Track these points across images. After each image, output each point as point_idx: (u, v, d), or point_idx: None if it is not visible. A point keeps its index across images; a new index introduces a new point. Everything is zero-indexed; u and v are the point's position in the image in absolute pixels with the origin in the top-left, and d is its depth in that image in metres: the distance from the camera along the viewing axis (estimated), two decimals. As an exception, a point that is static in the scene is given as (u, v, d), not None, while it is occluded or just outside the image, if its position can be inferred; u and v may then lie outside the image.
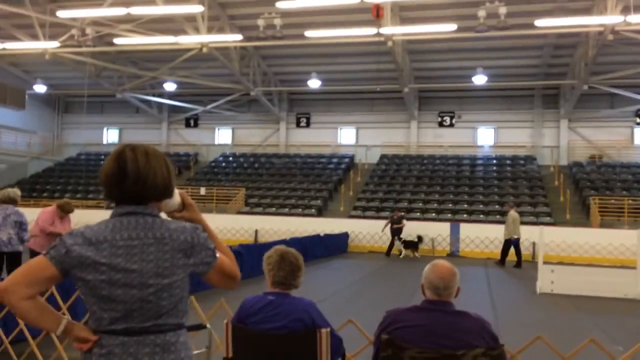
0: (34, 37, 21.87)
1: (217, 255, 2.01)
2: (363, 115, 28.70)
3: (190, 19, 20.64)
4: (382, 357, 2.91)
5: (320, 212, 22.05)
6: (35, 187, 26.50)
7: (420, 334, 2.82)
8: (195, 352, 3.84)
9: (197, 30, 20.62)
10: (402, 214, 18.05)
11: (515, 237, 15.40)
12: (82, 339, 1.86)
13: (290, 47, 22.98)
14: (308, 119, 29.68)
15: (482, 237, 18.52)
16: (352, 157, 27.73)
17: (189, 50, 22.08)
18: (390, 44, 20.04)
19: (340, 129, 29.37)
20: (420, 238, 17.88)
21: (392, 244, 17.59)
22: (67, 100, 32.27)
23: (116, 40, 21.91)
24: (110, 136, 32.24)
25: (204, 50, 21.40)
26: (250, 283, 10.47)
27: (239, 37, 21.56)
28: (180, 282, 1.90)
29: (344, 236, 18.78)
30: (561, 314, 8.68)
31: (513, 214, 15.58)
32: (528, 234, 16.41)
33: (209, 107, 28.92)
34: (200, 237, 1.96)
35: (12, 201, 7.48)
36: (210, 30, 20.90)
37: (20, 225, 7.21)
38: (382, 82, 25.25)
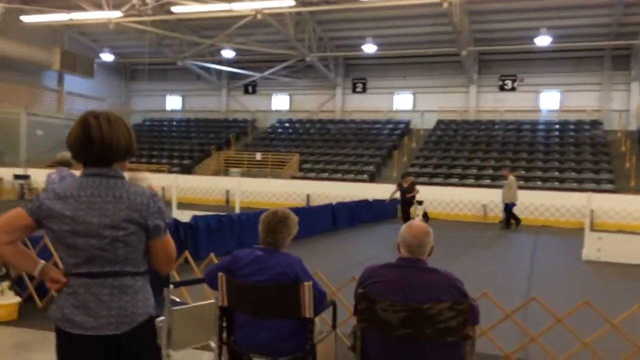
0: (99, 7, 22.77)
1: (167, 232, 2.23)
2: (420, 79, 28.18)
3: (245, -16, 20.82)
4: (358, 309, 3.09)
5: (373, 178, 22.10)
6: (104, 152, 27.99)
7: (391, 288, 2.96)
8: (205, 302, 4.17)
9: (251, -4, 20.80)
10: (412, 178, 15.37)
11: (514, 201, 16.12)
12: (54, 280, 2.15)
13: (345, 11, 22.77)
14: (364, 85, 29.49)
15: (537, 203, 18.04)
16: (407, 123, 27.41)
17: (244, 17, 22.36)
18: (446, 4, 19.47)
19: (397, 94, 29.00)
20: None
21: (407, 217, 14.47)
22: (133, 68, 33.55)
23: (174, 9, 22.44)
24: (174, 103, 33.36)
25: (258, 16, 21.60)
26: (290, 245, 10.86)
27: (292, 2, 21.56)
28: (134, 237, 2.13)
29: (394, 202, 18.76)
30: (602, 281, 8.48)
31: (513, 178, 16.28)
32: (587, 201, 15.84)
33: (266, 73, 29.28)
34: (157, 204, 2.19)
35: (68, 163, 8.08)
36: (264, -5, 21.02)
37: None
38: (439, 45, 24.62)
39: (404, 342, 2.94)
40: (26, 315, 5.23)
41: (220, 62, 29.63)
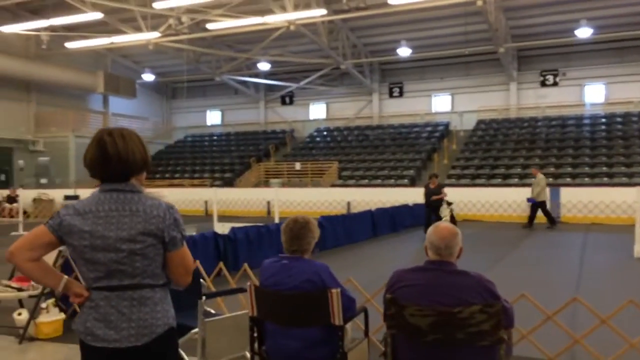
0: (138, 29, 23.47)
1: (184, 244, 2.24)
2: (458, 80, 27.80)
3: (277, -3, 21.07)
4: (387, 314, 3.04)
5: (413, 182, 21.84)
6: (150, 169, 28.70)
7: (418, 293, 2.90)
8: (239, 312, 4.19)
9: (283, 9, 21.02)
10: (436, 177, 14.31)
11: (541, 199, 15.75)
12: (77, 294, 2.19)
13: (377, 16, 22.72)
14: (401, 89, 29.30)
15: (586, 201, 17.41)
16: (446, 125, 27.04)
17: (277, 29, 22.60)
18: (480, 2, 19.14)
19: (435, 96, 28.67)
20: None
21: (430, 222, 11.92)
22: (173, 86, 34.38)
23: (209, 26, 22.90)
24: (213, 118, 33.98)
25: (291, 27, 21.78)
26: (330, 254, 10.82)
27: (324, 11, 21.65)
28: (151, 249, 2.15)
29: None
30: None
31: (542, 177, 15.94)
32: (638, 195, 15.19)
33: (302, 83, 29.48)
34: (173, 216, 2.20)
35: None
36: (296, 7, 21.20)
37: None
38: (475, 44, 24.20)
39: (435, 348, 2.87)
40: (70, 331, 5.37)
41: (256, 75, 30.04)
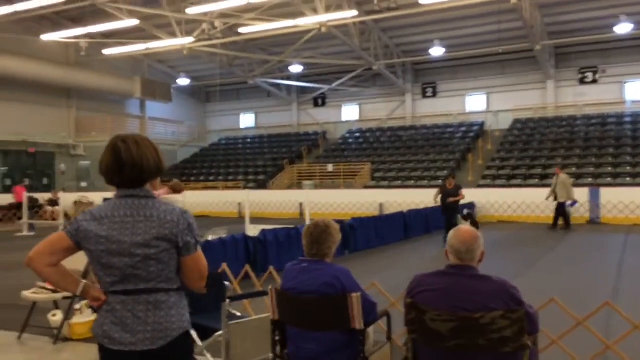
0: (172, 34, 23.90)
1: (199, 248, 2.27)
2: (493, 79, 27.32)
3: (308, 0, 21.13)
4: (407, 319, 2.99)
5: (448, 183, 21.55)
6: (185, 172, 29.21)
7: (439, 297, 2.85)
8: (263, 315, 4.20)
9: (315, 11, 21.08)
10: (453, 177, 13.14)
11: (570, 201, 15.36)
12: (95, 298, 2.24)
13: (409, 16, 22.53)
14: (434, 89, 28.98)
15: (627, 201, 16.86)
16: (481, 125, 26.60)
17: (309, 31, 22.68)
18: (514, 0, 18.78)
19: (469, 95, 28.25)
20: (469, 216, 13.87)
21: (450, 225, 11.52)
22: (208, 90, 34.87)
23: (242, 30, 23.16)
24: (247, 121, 34.32)
25: (323, 29, 21.81)
26: (360, 256, 10.78)
27: (355, 12, 21.60)
28: (165, 254, 2.18)
29: (470, 206, 18.23)
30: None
31: (565, 176, 15.56)
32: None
33: (334, 85, 29.48)
34: (187, 221, 2.22)
35: (179, 189, 8.58)
36: (328, 9, 21.22)
37: None
38: (510, 42, 23.73)
39: (457, 354, 2.82)
40: (103, 331, 5.49)
41: (289, 78, 30.19)
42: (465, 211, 13.52)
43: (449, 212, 12.37)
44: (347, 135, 29.52)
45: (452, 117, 27.87)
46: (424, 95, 29.15)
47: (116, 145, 2.22)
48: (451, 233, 3.00)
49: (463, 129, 26.63)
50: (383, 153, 26.01)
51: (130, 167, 2.20)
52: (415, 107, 29.30)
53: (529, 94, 26.46)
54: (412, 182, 22.26)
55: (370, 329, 3.59)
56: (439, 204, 12.86)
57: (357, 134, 29.33)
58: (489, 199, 19.13)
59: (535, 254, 10.84)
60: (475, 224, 12.87)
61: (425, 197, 18.86)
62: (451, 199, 12.31)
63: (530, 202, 18.38)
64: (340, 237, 3.36)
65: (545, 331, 3.78)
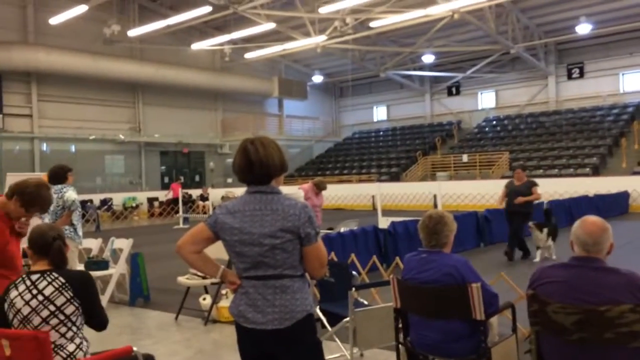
0: (307, 34, 24.81)
1: (319, 239, 2.48)
2: (653, 54, 24.61)
3: (439, -13, 20.70)
4: (529, 311, 2.97)
5: (597, 171, 19.93)
6: (320, 167, 30.22)
7: (562, 290, 2.79)
8: (387, 304, 4.36)
9: (446, -1, 20.59)
10: (522, 170, 9.66)
11: None
12: (232, 282, 2.56)
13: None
14: (581, 69, 26.80)
15: None
16: (637, 105, 24.10)
17: (440, 19, 22.22)
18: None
19: (623, 74, 25.72)
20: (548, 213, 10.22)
21: (515, 235, 9.34)
22: (341, 85, 35.61)
23: (372, 24, 23.33)
24: (380, 114, 34.51)
25: (455, 16, 21.25)
26: (495, 248, 10.45)
27: (489, -5, 20.73)
28: (289, 244, 2.42)
29: (623, 195, 16.70)
30: None
31: None
32: None
33: (468, 72, 28.53)
34: (308, 214, 2.45)
35: (322, 187, 9.13)
36: (459, -5, 20.60)
37: None
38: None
39: (582, 347, 2.74)
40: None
41: (421, 68, 29.81)
42: (545, 205, 9.64)
43: (517, 218, 9.21)
44: (483, 123, 28.44)
45: (602, 99, 25.58)
46: (570, 77, 27.09)
47: (246, 147, 2.51)
48: (577, 224, 2.90)
49: (615, 111, 24.36)
50: (522, 141, 24.70)
51: (258, 166, 2.47)
52: (559, 90, 27.34)
53: (697, 68, 23.47)
54: (556, 170, 20.89)
55: (494, 320, 3.59)
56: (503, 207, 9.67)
57: (494, 122, 28.14)
58: None
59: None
60: (553, 231, 9.22)
61: (569, 187, 17.69)
62: (520, 199, 9.04)
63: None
64: (456, 226, 3.40)
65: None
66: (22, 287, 2.80)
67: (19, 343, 2.58)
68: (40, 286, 2.78)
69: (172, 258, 10.36)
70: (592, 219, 2.91)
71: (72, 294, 2.78)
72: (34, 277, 2.82)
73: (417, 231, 3.52)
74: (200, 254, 2.57)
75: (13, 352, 2.59)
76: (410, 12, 21.62)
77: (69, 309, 2.77)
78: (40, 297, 2.75)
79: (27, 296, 2.76)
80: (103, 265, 6.80)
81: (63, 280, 2.80)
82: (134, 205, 23.96)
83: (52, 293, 2.76)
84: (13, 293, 2.80)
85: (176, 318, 6.19)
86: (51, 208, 5.60)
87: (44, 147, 23.75)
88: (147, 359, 3.04)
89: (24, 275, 2.86)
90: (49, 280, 2.79)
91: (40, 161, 22.66)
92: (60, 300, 2.76)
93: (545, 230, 9.07)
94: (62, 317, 2.76)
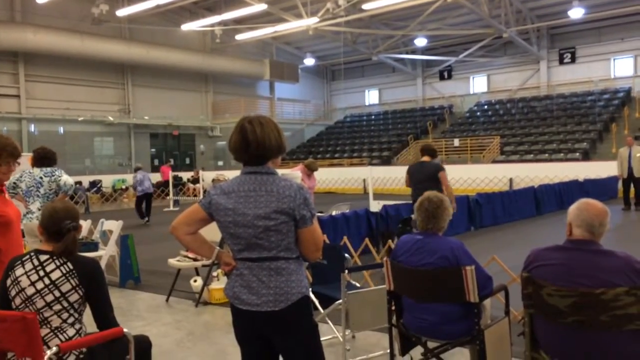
0: (299, 16, 24.53)
1: (314, 221, 2.43)
2: (642, 39, 24.65)
3: (432, -30, 20.54)
4: (524, 294, 2.96)
5: (587, 156, 20.03)
6: (311, 150, 30.14)
7: (557, 272, 2.78)
8: (379, 287, 4.35)
9: (439, -19, 20.44)
10: None
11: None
12: (227, 263, 2.52)
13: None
14: (573, 54, 26.84)
15: None
16: (628, 91, 24.19)
17: (433, 2, 22.05)
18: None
19: (614, 59, 25.76)
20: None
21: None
22: (333, 69, 35.42)
23: (365, 6, 23.10)
24: (372, 97, 34.39)
25: (448, -1, 21.12)
26: (486, 232, 10.49)
27: (482, -22, 20.60)
28: (284, 226, 2.37)
29: (612, 180, 16.79)
30: None
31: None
32: None
33: (461, 56, 28.45)
34: (303, 195, 2.40)
35: (313, 168, 8.99)
36: (453, -23, 20.47)
37: None
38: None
39: (577, 330, 2.74)
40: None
41: (414, 52, 29.69)
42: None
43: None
44: (475, 108, 28.45)
45: (594, 84, 25.65)
46: (561, 62, 27.12)
47: (243, 125, 2.44)
48: (579, 205, 2.86)
49: (606, 96, 24.44)
50: (514, 125, 24.75)
51: (254, 146, 2.41)
52: (551, 75, 27.37)
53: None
54: (546, 155, 20.98)
55: (487, 303, 3.58)
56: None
57: (486, 107, 28.16)
58: (635, 173, 17.42)
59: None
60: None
61: (560, 172, 17.77)
62: None
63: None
64: (452, 210, 3.39)
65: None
66: (29, 266, 2.72)
67: (5, 325, 2.52)
68: (48, 269, 2.70)
69: (162, 240, 10.35)
70: (594, 201, 2.88)
71: (77, 282, 2.72)
72: (43, 257, 2.74)
73: (410, 214, 3.49)
74: (195, 235, 2.52)
75: (0, 333, 2.54)
76: (403, -6, 21.44)
77: (73, 297, 2.71)
78: (46, 281, 2.68)
79: (34, 277, 2.69)
80: (92, 246, 6.73)
81: (71, 267, 2.73)
82: (123, 187, 23.80)
83: (58, 278, 2.69)
84: (19, 270, 2.72)
85: (167, 300, 6.16)
86: (42, 191, 5.52)
87: (32, 128, 23.46)
88: (142, 341, 3.00)
89: (32, 253, 2.79)
90: (57, 264, 2.72)
91: (28, 142, 22.38)
92: (65, 287, 2.69)
93: None
94: (65, 304, 2.70)
